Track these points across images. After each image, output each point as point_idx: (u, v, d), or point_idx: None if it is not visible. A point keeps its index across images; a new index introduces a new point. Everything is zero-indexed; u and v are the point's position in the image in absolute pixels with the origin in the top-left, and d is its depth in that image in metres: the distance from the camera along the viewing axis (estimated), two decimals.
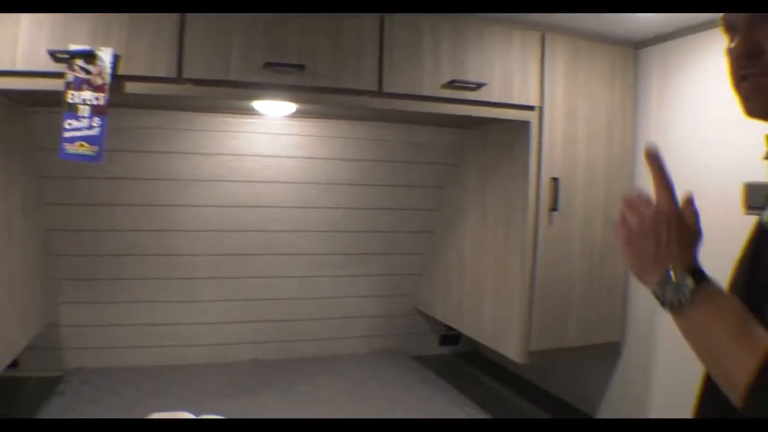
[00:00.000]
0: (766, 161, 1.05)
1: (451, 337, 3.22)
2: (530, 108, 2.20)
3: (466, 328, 2.66)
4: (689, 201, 1.04)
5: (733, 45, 0.96)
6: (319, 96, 1.95)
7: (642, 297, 2.39)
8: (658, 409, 2.34)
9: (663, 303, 0.93)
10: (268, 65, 1.83)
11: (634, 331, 2.44)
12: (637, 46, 2.37)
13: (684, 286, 0.91)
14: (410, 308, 3.10)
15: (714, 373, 0.89)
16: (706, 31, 2.12)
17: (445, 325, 3.14)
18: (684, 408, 2.18)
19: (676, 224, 0.96)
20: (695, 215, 1.04)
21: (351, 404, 2.37)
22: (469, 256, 2.64)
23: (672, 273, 0.93)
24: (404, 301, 3.07)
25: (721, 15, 0.98)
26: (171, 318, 2.70)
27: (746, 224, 1.97)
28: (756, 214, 1.91)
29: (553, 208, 2.25)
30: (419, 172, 2.79)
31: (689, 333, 0.92)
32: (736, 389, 0.81)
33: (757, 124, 1.95)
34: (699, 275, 0.92)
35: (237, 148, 2.53)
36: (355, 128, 2.61)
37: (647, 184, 2.28)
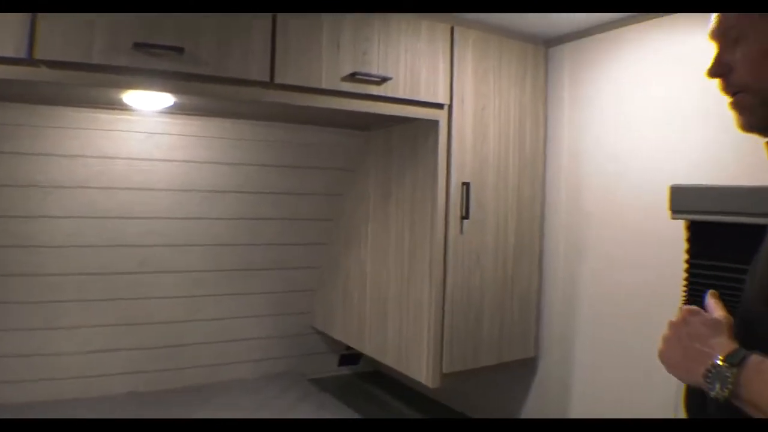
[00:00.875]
0: None
1: (350, 356, 2.98)
2: (439, 106, 2.01)
3: (370, 350, 2.42)
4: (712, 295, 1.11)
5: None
6: (201, 86, 1.63)
7: (556, 309, 2.25)
8: None
9: (715, 397, 0.91)
10: (139, 46, 1.50)
11: (549, 346, 2.29)
12: (547, 44, 2.24)
13: (726, 378, 0.89)
14: (306, 327, 2.82)
15: None
16: (618, 29, 2.03)
17: (345, 344, 2.91)
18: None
19: (702, 322, 1.03)
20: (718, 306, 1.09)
21: None
22: (371, 269, 2.41)
23: (711, 370, 0.92)
24: (299, 320, 2.80)
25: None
26: (31, 348, 2.26)
27: (672, 227, 1.86)
28: (683, 218, 1.82)
29: (464, 215, 2.07)
30: (313, 178, 2.53)
31: (751, 408, 0.88)
32: None
33: (679, 125, 1.85)
34: (737, 357, 0.90)
35: (106, 150, 2.15)
36: (242, 128, 2.31)
37: (558, 185, 2.13)
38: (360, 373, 3.02)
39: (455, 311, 2.09)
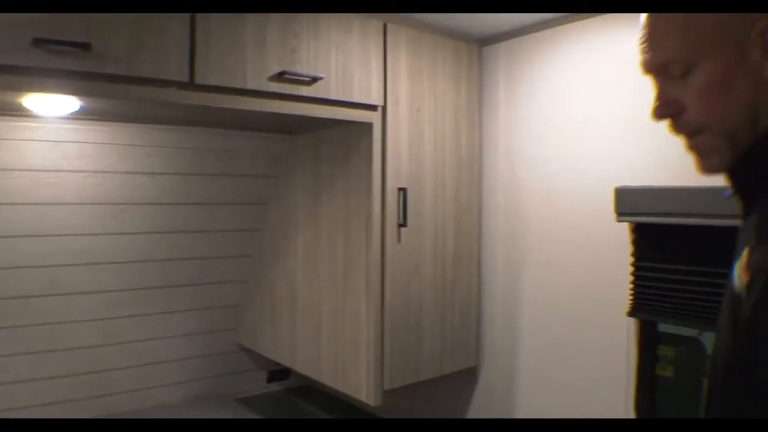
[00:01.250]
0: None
1: (279, 371, 2.82)
2: (373, 107, 1.89)
3: (302, 367, 2.27)
4: None
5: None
6: (111, 87, 1.43)
7: (497, 316, 2.18)
8: None
9: None
10: (40, 43, 1.31)
11: (491, 354, 2.22)
12: (481, 43, 2.16)
13: None
14: (231, 345, 2.64)
15: None
16: (553, 28, 1.98)
17: (274, 360, 2.75)
18: None
19: None
20: None
21: None
22: (302, 282, 2.27)
23: None
24: (224, 338, 2.61)
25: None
26: None
27: (616, 230, 1.81)
28: (628, 220, 1.77)
29: (402, 223, 1.96)
30: (236, 186, 2.36)
31: None
32: None
33: (620, 125, 1.79)
34: None
35: (4, 161, 1.92)
36: (159, 134, 2.11)
37: (495, 189, 2.05)
38: (291, 388, 2.87)
39: (395, 324, 1.98)
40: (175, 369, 2.49)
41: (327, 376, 2.15)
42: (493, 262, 2.18)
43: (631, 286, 1.80)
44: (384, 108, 1.91)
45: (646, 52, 0.83)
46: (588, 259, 1.92)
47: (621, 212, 1.78)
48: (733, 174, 0.84)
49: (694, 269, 1.66)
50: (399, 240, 1.97)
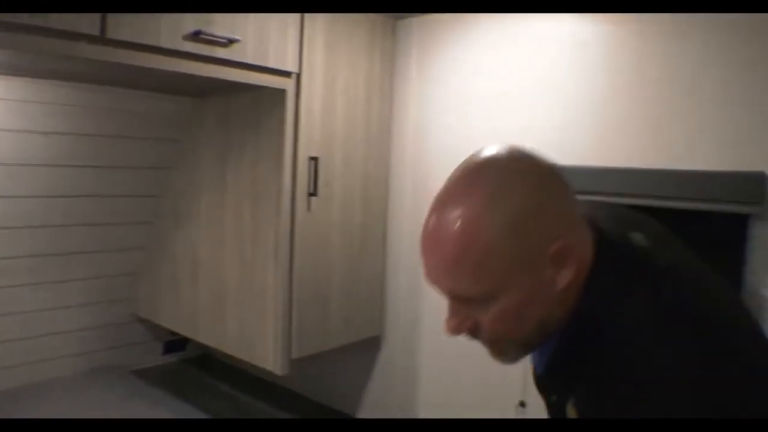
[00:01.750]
0: None
1: (176, 342, 2.75)
2: (287, 74, 1.86)
3: (205, 338, 2.23)
4: None
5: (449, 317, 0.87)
6: (14, 38, 1.34)
7: (401, 287, 2.22)
8: (425, 404, 2.20)
9: None
10: None
11: (393, 324, 2.26)
12: (396, 16, 2.17)
13: None
14: (127, 316, 2.54)
15: None
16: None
17: (170, 330, 2.68)
18: (451, 396, 2.07)
19: None
20: None
21: None
22: (205, 251, 2.21)
23: None
24: (120, 308, 2.51)
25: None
26: None
27: None
28: None
29: (312, 192, 1.95)
30: (137, 149, 2.26)
31: None
32: None
33: (531, 105, 1.85)
34: None
35: None
36: (57, 91, 1.98)
37: (404, 164, 2.08)
38: (188, 359, 2.81)
39: (303, 294, 1.98)
40: (69, 341, 2.37)
41: (232, 347, 2.12)
42: (399, 234, 2.22)
43: None
44: (299, 75, 1.88)
45: (449, 284, 0.84)
46: None
47: None
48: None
49: None
50: (309, 209, 1.96)
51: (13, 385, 2.20)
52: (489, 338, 0.86)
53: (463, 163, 0.84)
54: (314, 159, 1.94)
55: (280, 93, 1.87)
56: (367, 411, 2.36)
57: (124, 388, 2.30)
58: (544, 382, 0.95)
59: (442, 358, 2.13)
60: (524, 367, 1.88)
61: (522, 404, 1.89)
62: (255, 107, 1.99)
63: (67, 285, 2.32)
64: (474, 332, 0.86)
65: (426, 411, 2.20)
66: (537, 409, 1.02)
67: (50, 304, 2.29)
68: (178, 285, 2.33)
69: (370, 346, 2.31)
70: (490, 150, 0.84)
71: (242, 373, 2.70)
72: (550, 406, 0.94)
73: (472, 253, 0.78)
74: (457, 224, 0.78)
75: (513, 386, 1.86)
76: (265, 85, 1.83)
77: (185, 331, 2.33)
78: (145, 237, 2.46)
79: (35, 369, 2.27)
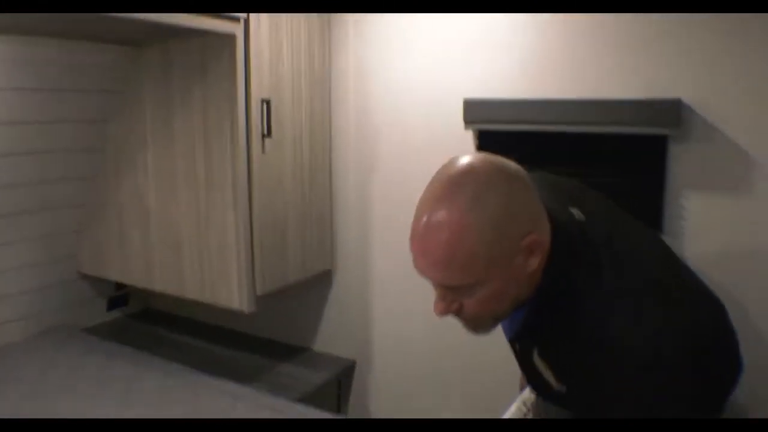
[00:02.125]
0: None
1: (119, 298, 2.75)
2: (236, 19, 1.89)
3: (163, 286, 2.25)
4: None
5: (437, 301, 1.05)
6: None
7: (351, 222, 2.33)
8: (379, 333, 2.34)
9: None
10: None
11: (344, 257, 2.38)
12: None
13: None
14: (72, 274, 2.52)
15: None
16: None
17: (114, 286, 2.68)
18: (404, 327, 2.23)
19: None
20: None
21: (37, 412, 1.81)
22: (155, 200, 2.22)
23: None
24: (64, 267, 2.48)
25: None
26: None
27: (461, 138, 2.03)
28: (474, 128, 1.98)
29: (266, 134, 2.01)
30: (73, 102, 2.19)
31: None
32: None
33: (466, 44, 1.98)
34: None
35: None
36: None
37: (347, 104, 2.16)
38: (131, 314, 2.82)
39: (263, 234, 2.06)
40: (17, 304, 2.34)
41: (192, 291, 2.17)
42: (345, 171, 2.32)
43: None
44: (246, 21, 1.91)
45: (438, 277, 1.00)
46: (436, 164, 2.12)
47: (468, 121, 2.00)
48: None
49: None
50: (264, 151, 2.02)
51: None
52: (472, 317, 1.04)
53: (443, 170, 1.00)
54: (266, 101, 1.99)
55: (229, 38, 1.90)
56: (322, 343, 2.48)
57: (79, 346, 2.29)
58: (514, 341, 1.19)
59: (391, 288, 2.27)
60: None
61: None
62: (200, 53, 2.00)
63: (9, 247, 2.27)
64: (459, 312, 1.03)
65: (379, 339, 2.34)
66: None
67: None
68: (127, 237, 2.33)
69: (324, 281, 2.41)
70: (466, 160, 0.99)
71: (188, 321, 2.75)
72: (516, 352, 1.20)
73: (459, 255, 0.94)
74: (444, 230, 0.93)
75: None
76: (214, 30, 1.85)
77: (139, 283, 2.34)
78: (85, 193, 2.42)
79: None
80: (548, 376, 1.10)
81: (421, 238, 0.97)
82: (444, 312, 1.03)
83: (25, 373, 2.07)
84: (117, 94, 2.27)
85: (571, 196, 1.16)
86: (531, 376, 1.18)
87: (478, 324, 1.07)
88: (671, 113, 1.69)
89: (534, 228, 0.97)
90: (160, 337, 2.59)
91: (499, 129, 1.97)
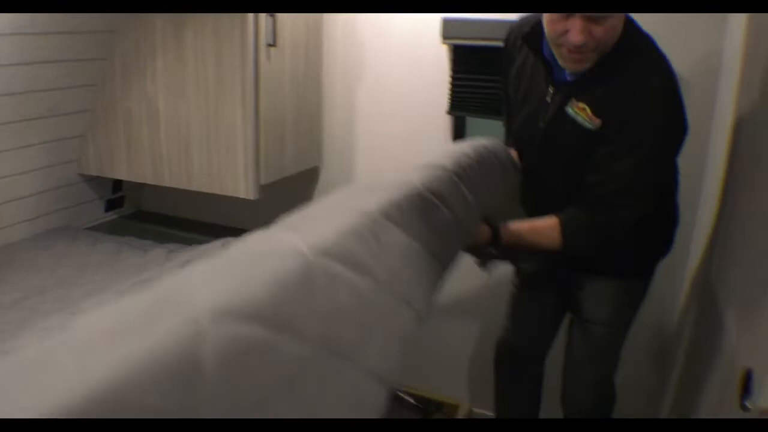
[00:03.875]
0: None
1: (116, 200, 3.01)
2: None
3: (171, 180, 2.54)
4: None
5: (570, 32, 1.46)
6: None
7: (337, 121, 2.69)
8: None
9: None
10: None
11: (330, 155, 2.74)
12: None
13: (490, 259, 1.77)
14: (75, 177, 2.77)
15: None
16: None
17: (111, 189, 2.94)
18: None
19: None
20: None
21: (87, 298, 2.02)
22: (165, 104, 2.50)
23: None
24: (69, 170, 2.72)
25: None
26: None
27: (442, 51, 2.40)
28: (451, 43, 2.35)
29: (271, 43, 2.32)
30: (83, 14, 2.40)
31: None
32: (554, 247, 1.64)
33: None
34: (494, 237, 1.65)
35: None
36: None
37: (335, 19, 2.45)
38: (126, 215, 3.07)
39: (266, 131, 2.38)
40: (25, 205, 2.56)
41: (200, 183, 2.48)
42: (334, 79, 2.67)
43: (450, 94, 2.44)
44: None
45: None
46: (414, 76, 2.51)
47: (446, 36, 2.37)
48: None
49: (491, 78, 2.32)
50: (269, 58, 2.33)
51: None
52: (593, 47, 1.47)
53: None
54: (272, 15, 2.30)
55: None
56: None
57: (88, 241, 2.57)
58: (554, 95, 1.65)
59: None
60: None
61: None
62: None
63: (18, 152, 2.47)
64: (588, 42, 1.45)
65: None
66: None
67: (7, 171, 2.46)
68: (135, 139, 2.59)
69: (312, 176, 2.77)
70: None
71: (179, 219, 3.02)
72: (538, 123, 1.72)
73: None
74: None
75: None
76: None
77: (147, 179, 2.61)
78: (90, 99, 2.64)
79: None
80: (582, 117, 1.57)
81: None
82: (585, 46, 1.45)
83: (42, 263, 2.32)
84: None
85: None
86: (546, 143, 1.70)
87: (589, 57, 1.50)
88: None
89: None
90: (160, 232, 2.86)
91: (471, 44, 2.35)
